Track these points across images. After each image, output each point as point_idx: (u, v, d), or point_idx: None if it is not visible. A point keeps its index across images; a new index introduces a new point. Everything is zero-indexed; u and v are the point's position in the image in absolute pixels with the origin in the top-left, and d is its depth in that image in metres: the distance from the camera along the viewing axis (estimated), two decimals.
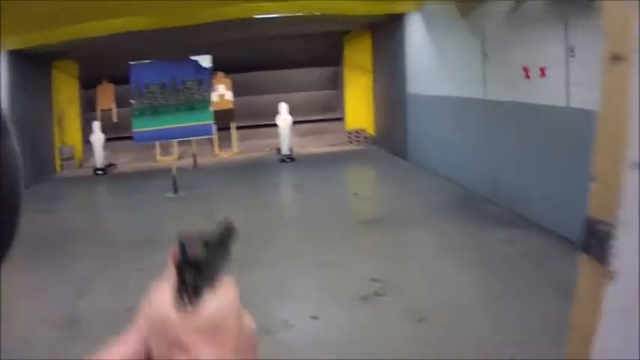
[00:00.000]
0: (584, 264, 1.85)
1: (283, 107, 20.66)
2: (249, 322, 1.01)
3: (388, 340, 6.96)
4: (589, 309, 1.76)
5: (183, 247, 0.98)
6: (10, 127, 0.90)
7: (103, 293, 8.96)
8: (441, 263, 9.37)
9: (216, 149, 22.76)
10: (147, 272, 8.14)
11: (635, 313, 1.70)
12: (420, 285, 8.52)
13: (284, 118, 20.62)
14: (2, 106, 0.90)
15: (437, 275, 8.87)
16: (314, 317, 7.73)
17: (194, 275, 0.96)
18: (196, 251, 0.98)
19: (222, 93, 21.90)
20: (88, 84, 22.96)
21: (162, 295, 0.96)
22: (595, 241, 1.77)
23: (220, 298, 0.97)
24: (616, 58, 1.68)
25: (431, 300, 7.90)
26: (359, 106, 23.26)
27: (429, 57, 16.14)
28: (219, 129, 21.85)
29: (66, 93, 22.63)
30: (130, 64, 17.97)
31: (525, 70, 10.60)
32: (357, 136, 23.21)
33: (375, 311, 7.83)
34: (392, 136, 20.29)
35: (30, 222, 13.96)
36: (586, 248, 1.85)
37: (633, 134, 1.67)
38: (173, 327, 0.93)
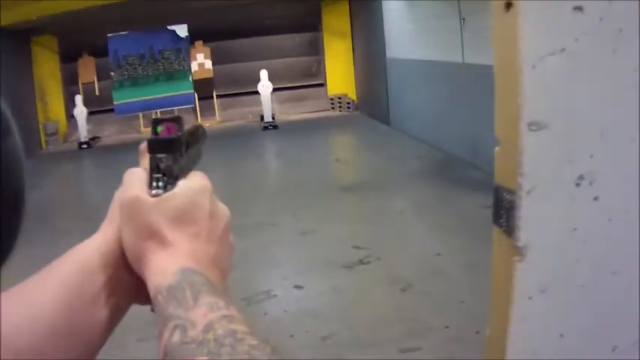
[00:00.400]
0: (496, 237, 1.68)
1: (264, 74, 20.59)
2: (223, 209, 0.97)
3: (372, 309, 6.96)
4: (504, 289, 1.62)
5: (155, 126, 0.95)
6: (14, 125, 0.88)
7: None
8: (423, 230, 9.36)
9: (199, 118, 22.70)
10: None
11: (551, 295, 1.59)
12: (403, 252, 8.48)
13: (265, 84, 20.56)
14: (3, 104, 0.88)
15: (419, 242, 8.86)
16: (298, 287, 7.72)
17: (167, 159, 0.92)
18: (170, 133, 0.95)
19: (201, 62, 21.80)
20: (69, 58, 22.73)
21: (135, 179, 0.93)
22: (503, 211, 1.63)
23: (193, 184, 0.93)
24: (508, 5, 1.52)
25: (413, 267, 7.87)
26: (340, 72, 23.12)
27: (407, 21, 16.03)
28: (201, 98, 21.81)
29: (47, 68, 22.40)
30: (108, 37, 17.89)
31: None
32: (340, 102, 23.12)
33: (359, 280, 7.82)
34: (373, 102, 20.23)
35: None
36: (495, 220, 1.68)
37: (528, 89, 1.51)
38: (145, 211, 0.90)
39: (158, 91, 18.59)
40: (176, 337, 0.75)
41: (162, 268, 0.86)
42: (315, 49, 24.22)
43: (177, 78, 19.12)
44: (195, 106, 21.74)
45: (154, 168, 0.92)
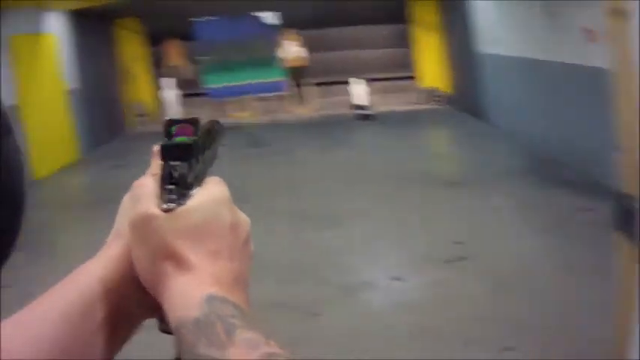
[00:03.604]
0: (618, 242, 1.67)
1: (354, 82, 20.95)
2: (243, 218, 0.88)
3: (469, 305, 6.94)
4: (627, 289, 1.60)
5: (169, 128, 0.88)
6: (12, 124, 0.87)
7: None
8: (519, 228, 9.30)
9: (293, 106, 22.82)
10: None
11: None
12: (499, 249, 8.45)
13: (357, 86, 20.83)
14: (3, 103, 0.87)
15: (515, 240, 8.79)
16: (396, 278, 7.73)
17: (181, 167, 0.83)
18: (185, 136, 0.87)
19: (294, 49, 21.88)
20: (155, 41, 23.11)
21: (145, 192, 0.84)
22: (625, 217, 1.60)
23: (211, 193, 0.84)
24: (619, 12, 1.47)
25: (510, 265, 7.85)
26: (432, 65, 22.89)
27: (498, 15, 15.98)
28: (297, 85, 21.91)
29: (132, 50, 22.73)
30: (195, 21, 18.00)
31: (590, 32, 10.23)
32: (432, 95, 22.98)
33: (456, 275, 7.79)
34: (466, 96, 20.00)
35: (102, 178, 14.22)
36: (617, 225, 1.66)
37: None
38: (159, 230, 0.81)
39: (249, 77, 18.70)
40: None
41: (184, 296, 0.78)
42: (406, 41, 24.17)
43: (267, 65, 19.21)
44: (287, 94, 21.89)
45: (167, 177, 0.84)
